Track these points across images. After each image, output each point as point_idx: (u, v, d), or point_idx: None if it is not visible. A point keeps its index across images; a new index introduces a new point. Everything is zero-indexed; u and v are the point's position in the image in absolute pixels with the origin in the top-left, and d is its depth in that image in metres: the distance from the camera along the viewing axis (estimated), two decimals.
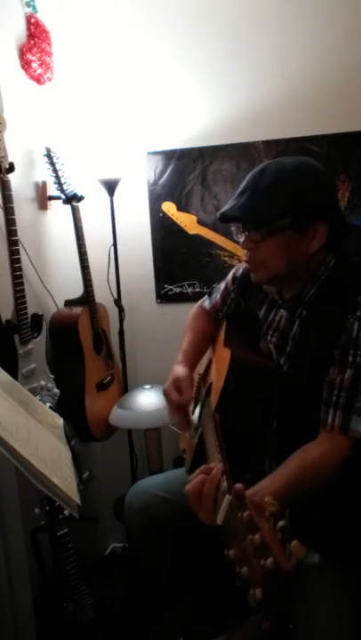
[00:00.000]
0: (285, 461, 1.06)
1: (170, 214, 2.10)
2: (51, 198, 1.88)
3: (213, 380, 1.34)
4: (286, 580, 0.64)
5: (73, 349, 1.85)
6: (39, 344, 1.63)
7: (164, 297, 2.17)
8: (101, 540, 2.29)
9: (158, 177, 2.09)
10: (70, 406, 1.73)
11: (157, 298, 2.18)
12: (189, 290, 2.14)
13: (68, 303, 1.91)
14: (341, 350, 1.08)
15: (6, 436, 0.93)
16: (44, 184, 1.87)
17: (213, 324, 1.53)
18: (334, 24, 1.84)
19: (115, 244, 2.08)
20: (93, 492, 2.16)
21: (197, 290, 2.12)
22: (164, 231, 2.12)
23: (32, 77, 1.81)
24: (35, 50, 1.79)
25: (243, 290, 1.40)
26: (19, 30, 1.75)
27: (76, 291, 1.92)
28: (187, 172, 2.05)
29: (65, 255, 1.96)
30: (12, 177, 1.50)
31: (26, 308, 1.55)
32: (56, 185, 1.81)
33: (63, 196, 1.83)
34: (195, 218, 2.08)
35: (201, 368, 1.56)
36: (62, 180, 1.80)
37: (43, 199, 1.88)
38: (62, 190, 1.82)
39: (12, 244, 1.50)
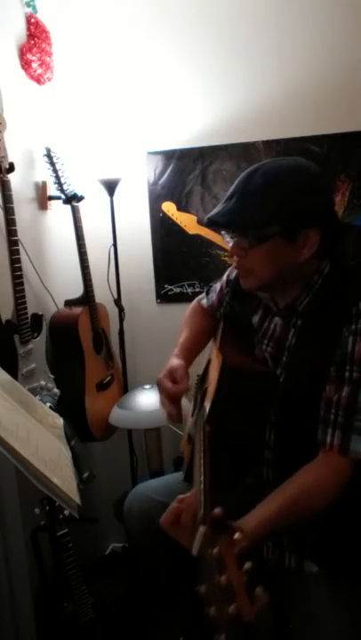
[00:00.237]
0: (281, 486, 1.01)
1: (170, 214, 2.10)
2: (51, 198, 1.89)
3: (209, 385, 1.32)
4: (250, 629, 0.61)
5: (73, 349, 1.85)
6: (39, 344, 1.63)
7: (164, 297, 2.17)
8: (101, 540, 2.29)
9: (158, 177, 2.09)
10: (70, 406, 1.73)
11: (157, 298, 2.18)
12: (189, 290, 2.14)
13: (68, 303, 1.91)
14: (337, 366, 1.04)
15: (6, 435, 0.93)
16: (44, 184, 1.87)
17: (211, 322, 1.50)
18: (334, 24, 1.84)
19: (115, 244, 2.08)
20: (93, 492, 2.16)
21: (197, 290, 2.12)
22: (164, 231, 2.12)
23: (32, 77, 1.81)
24: (35, 50, 1.79)
25: (236, 293, 1.35)
26: (19, 30, 1.76)
27: (76, 291, 1.92)
28: (187, 172, 2.06)
29: (65, 255, 1.96)
30: (12, 177, 1.50)
31: (26, 308, 1.55)
32: (56, 185, 1.81)
33: (63, 196, 1.83)
34: (195, 218, 2.08)
35: (200, 369, 1.55)
36: (62, 180, 1.80)
37: (43, 199, 1.88)
38: (62, 190, 1.82)
39: (12, 244, 1.50)
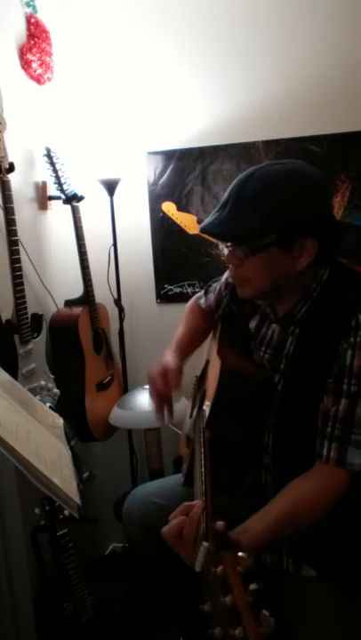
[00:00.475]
0: (278, 496, 1.01)
1: (170, 214, 2.10)
2: (51, 198, 1.89)
3: (207, 388, 1.31)
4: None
5: (73, 349, 1.85)
6: (39, 344, 1.63)
7: (164, 297, 2.17)
8: (101, 540, 2.29)
9: (158, 177, 2.09)
10: (70, 406, 1.73)
11: (157, 298, 2.18)
12: (189, 290, 2.14)
13: (68, 303, 1.91)
14: (335, 379, 1.02)
15: (6, 435, 0.93)
16: (44, 184, 1.87)
17: (208, 321, 1.49)
18: (334, 24, 1.84)
19: (115, 244, 2.08)
20: (93, 492, 2.16)
21: (197, 290, 2.11)
22: (164, 231, 2.12)
23: (32, 77, 1.81)
24: (35, 50, 1.79)
25: (235, 296, 1.31)
26: (19, 30, 1.76)
27: (76, 291, 1.92)
28: (187, 172, 2.05)
29: (65, 255, 1.96)
30: (12, 177, 1.50)
31: (26, 308, 1.55)
32: (56, 185, 1.81)
33: (63, 196, 1.83)
34: (195, 218, 2.08)
35: (198, 370, 1.55)
36: (62, 180, 1.80)
37: (43, 199, 1.88)
38: (62, 190, 1.82)
39: (12, 244, 1.50)
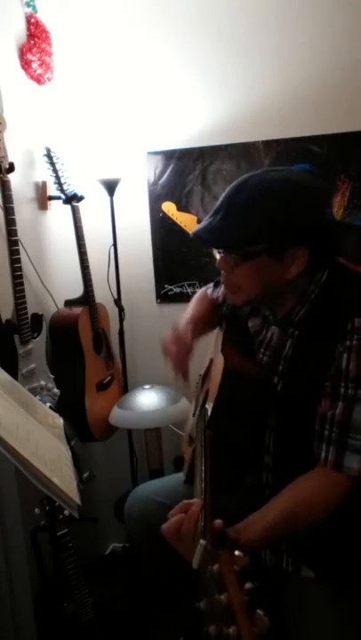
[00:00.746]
0: (278, 496, 1.01)
1: (170, 214, 2.10)
2: (51, 198, 1.89)
3: (210, 387, 1.33)
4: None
5: (73, 349, 1.85)
6: (39, 344, 1.63)
7: (164, 297, 2.17)
8: (101, 540, 2.29)
9: (158, 177, 2.09)
10: (70, 406, 1.73)
11: (157, 298, 2.18)
12: (189, 290, 2.14)
13: (68, 303, 1.91)
14: (332, 382, 1.02)
15: (6, 436, 0.93)
16: (44, 184, 1.87)
17: (215, 312, 1.48)
18: (334, 24, 1.84)
19: (115, 244, 2.08)
20: (93, 492, 2.16)
21: (197, 290, 2.11)
22: (164, 231, 2.12)
23: (32, 77, 1.81)
24: (35, 50, 1.79)
25: None
26: (19, 30, 1.76)
27: (76, 291, 1.92)
28: (187, 172, 2.05)
29: (65, 255, 1.96)
30: (12, 177, 1.50)
31: (26, 308, 1.55)
32: (56, 185, 1.81)
33: (63, 196, 1.83)
34: (195, 218, 2.08)
35: (201, 368, 1.55)
36: (62, 180, 1.80)
37: (43, 199, 1.88)
38: (62, 190, 1.82)
39: (12, 244, 1.51)
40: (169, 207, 2.10)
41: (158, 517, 1.35)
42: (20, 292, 1.53)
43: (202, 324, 1.43)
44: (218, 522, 0.76)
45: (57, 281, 1.93)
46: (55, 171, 1.79)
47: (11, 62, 1.72)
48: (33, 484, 0.94)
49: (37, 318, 1.64)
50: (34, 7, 1.79)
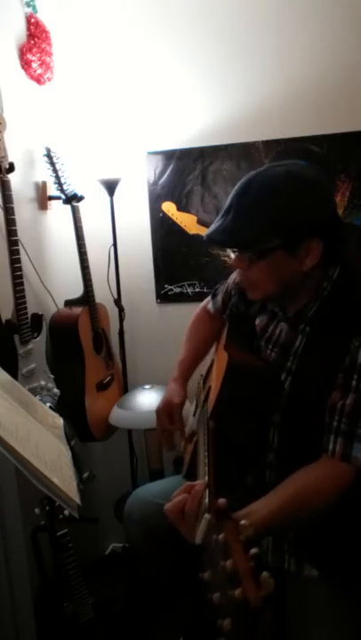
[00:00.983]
0: (283, 483, 1.02)
1: (170, 214, 2.10)
2: (51, 198, 1.89)
3: (212, 384, 1.33)
4: (256, 613, 0.60)
5: (73, 349, 1.85)
6: (39, 344, 1.63)
7: (164, 297, 2.17)
8: (101, 540, 2.29)
9: (158, 177, 2.09)
10: (70, 406, 1.73)
11: (157, 298, 2.18)
12: (189, 290, 2.14)
13: (68, 303, 1.91)
14: (345, 374, 1.03)
15: (6, 436, 0.93)
16: (44, 184, 1.87)
17: (216, 326, 1.51)
18: (334, 24, 1.84)
19: (115, 244, 2.08)
20: (93, 492, 2.16)
21: (197, 290, 2.12)
22: (164, 231, 2.12)
23: (32, 77, 1.81)
24: (35, 50, 1.79)
25: (242, 295, 1.33)
26: (19, 30, 1.76)
27: (76, 291, 1.92)
28: (187, 172, 2.05)
29: (65, 255, 1.96)
30: (12, 177, 1.50)
31: (26, 308, 1.55)
32: (56, 185, 1.81)
33: (63, 196, 1.83)
34: (195, 218, 2.08)
35: (203, 369, 1.55)
36: (62, 180, 1.80)
37: (43, 199, 1.88)
38: (62, 190, 1.82)
39: (12, 244, 1.51)
40: (169, 207, 2.10)
41: (158, 519, 1.35)
42: (20, 292, 1.53)
43: (198, 358, 1.52)
44: (222, 500, 0.77)
45: (57, 281, 1.93)
46: (55, 171, 1.79)
47: (11, 62, 1.72)
48: (33, 484, 0.94)
49: (37, 318, 1.64)
50: (34, 7, 1.79)
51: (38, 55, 1.80)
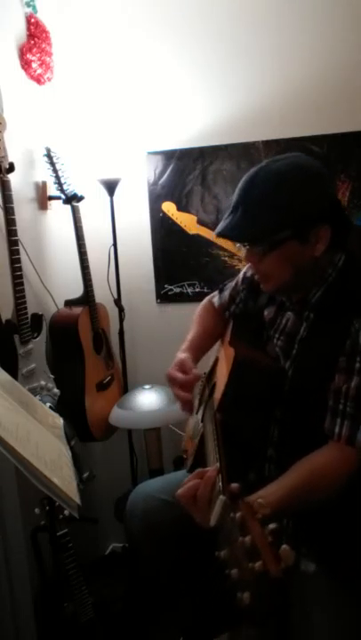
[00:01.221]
0: (292, 468, 1.04)
1: (170, 214, 2.10)
2: (51, 198, 1.89)
3: (217, 380, 1.34)
4: (276, 585, 0.62)
5: (73, 349, 1.85)
6: (39, 344, 1.63)
7: (164, 297, 2.17)
8: (101, 540, 2.29)
9: (158, 177, 2.09)
10: (70, 406, 1.73)
11: (157, 298, 2.18)
12: (189, 290, 2.14)
13: (68, 303, 1.91)
14: (347, 357, 1.05)
15: (6, 436, 0.93)
16: (44, 184, 1.87)
17: (220, 322, 1.50)
18: (334, 24, 1.84)
19: (115, 244, 2.08)
20: (93, 492, 2.16)
21: (197, 290, 2.12)
22: (164, 231, 2.12)
23: (32, 77, 1.81)
24: (35, 50, 1.79)
25: (252, 290, 1.36)
26: (19, 30, 1.76)
27: (76, 291, 1.92)
28: (187, 172, 2.05)
29: (65, 255, 1.96)
30: (12, 177, 1.50)
31: (26, 308, 1.55)
32: (56, 185, 1.81)
33: (63, 196, 1.83)
34: (195, 218, 2.08)
35: (207, 367, 1.55)
36: (62, 180, 1.80)
37: (43, 199, 1.88)
38: (62, 190, 1.82)
39: (12, 244, 1.51)
40: (169, 207, 2.10)
41: (161, 515, 1.36)
42: (20, 292, 1.53)
43: (205, 343, 1.47)
44: (235, 485, 0.79)
45: (57, 281, 1.93)
46: (55, 171, 1.79)
47: (11, 62, 1.72)
48: (33, 484, 0.94)
49: (37, 318, 1.64)
50: (34, 7, 1.79)
51: (38, 55, 1.80)
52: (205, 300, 1.57)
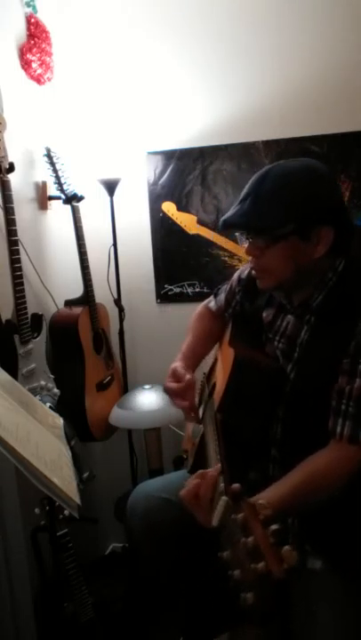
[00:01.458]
0: (295, 468, 1.04)
1: (170, 214, 2.10)
2: (51, 198, 1.89)
3: (217, 380, 1.34)
4: (278, 586, 0.62)
5: (73, 349, 1.85)
6: (39, 344, 1.63)
7: (164, 297, 2.17)
8: (101, 540, 2.29)
9: (158, 177, 2.09)
10: (70, 406, 1.73)
11: (157, 298, 2.18)
12: (189, 290, 2.14)
13: (68, 303, 1.91)
14: (351, 358, 1.06)
15: (6, 436, 0.93)
16: (44, 184, 1.87)
17: (218, 325, 1.51)
18: (334, 24, 1.84)
19: (115, 244, 2.08)
20: (93, 492, 2.16)
21: (197, 290, 2.12)
22: (164, 231, 2.12)
23: (32, 77, 1.81)
24: (35, 50, 1.79)
25: (248, 292, 1.37)
26: (19, 30, 1.76)
27: (76, 291, 1.92)
28: (187, 172, 2.05)
29: (65, 255, 1.96)
30: (12, 177, 1.50)
31: (26, 308, 1.55)
32: (56, 185, 1.81)
33: (63, 196, 1.83)
34: (195, 218, 2.08)
35: (206, 367, 1.55)
36: (62, 180, 1.80)
37: (43, 199, 1.88)
38: (62, 190, 1.82)
39: (12, 244, 1.50)
40: (169, 207, 2.10)
41: (161, 514, 1.36)
42: (20, 292, 1.53)
43: (201, 350, 1.48)
44: (236, 485, 0.79)
45: (57, 281, 1.93)
46: (55, 171, 1.79)
47: (11, 62, 1.72)
48: (33, 484, 0.94)
49: (37, 318, 1.64)
50: (34, 7, 1.79)
51: (38, 55, 1.80)
52: (200, 307, 1.58)
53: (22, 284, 1.53)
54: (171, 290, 2.16)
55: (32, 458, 0.95)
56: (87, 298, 1.91)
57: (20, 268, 1.52)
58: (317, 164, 1.14)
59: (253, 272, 1.24)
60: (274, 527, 0.67)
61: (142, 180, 2.10)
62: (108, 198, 2.03)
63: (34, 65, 1.79)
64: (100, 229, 2.07)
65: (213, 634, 1.53)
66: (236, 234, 1.20)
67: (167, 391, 1.35)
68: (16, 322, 1.54)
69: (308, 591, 1.09)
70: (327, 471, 1.04)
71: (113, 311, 2.11)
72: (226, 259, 2.06)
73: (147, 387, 2.01)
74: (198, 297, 2.02)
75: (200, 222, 2.08)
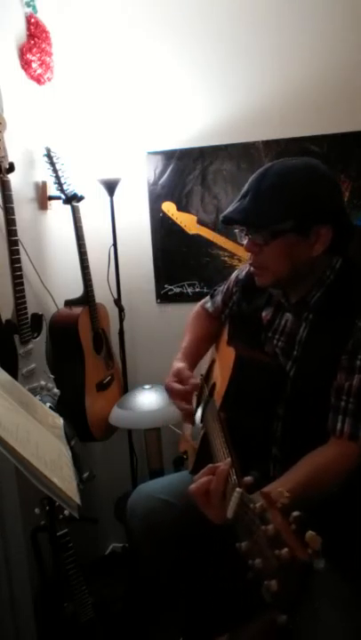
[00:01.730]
0: (296, 465, 1.05)
1: (170, 214, 2.10)
2: (51, 198, 1.89)
3: (217, 380, 1.34)
4: (303, 570, 0.62)
5: (73, 349, 1.85)
6: (39, 344, 1.63)
7: (164, 297, 2.17)
8: (101, 540, 2.29)
9: (158, 177, 2.09)
10: (70, 406, 1.73)
11: (157, 298, 2.18)
12: (189, 290, 2.14)
13: (68, 303, 1.91)
14: (349, 355, 1.07)
15: (6, 435, 0.93)
16: (44, 184, 1.87)
17: (215, 326, 1.52)
18: (334, 24, 1.84)
19: (115, 244, 2.08)
20: (93, 492, 2.16)
21: (197, 290, 2.12)
22: (164, 231, 2.12)
23: (32, 77, 1.81)
24: (35, 50, 1.79)
25: (246, 292, 1.38)
26: (19, 30, 1.76)
27: (76, 291, 1.92)
28: (187, 172, 2.05)
29: (65, 255, 1.96)
30: (12, 177, 1.50)
31: (26, 308, 1.55)
32: (56, 185, 1.81)
33: (63, 196, 1.83)
34: (195, 218, 2.08)
35: (203, 369, 1.55)
36: (62, 180, 1.80)
37: (43, 199, 1.88)
38: (62, 190, 1.82)
39: (12, 244, 1.51)
40: (169, 207, 2.10)
41: (161, 515, 1.36)
42: (20, 292, 1.53)
43: (199, 349, 1.49)
44: (248, 478, 0.80)
45: (57, 281, 1.93)
46: (55, 171, 1.79)
47: (11, 62, 1.72)
48: (33, 484, 0.94)
49: (37, 318, 1.64)
50: (34, 7, 1.79)
51: (38, 55, 1.80)
52: (197, 307, 1.58)
53: (22, 284, 1.53)
54: (171, 290, 2.16)
55: (32, 458, 0.95)
56: (87, 298, 1.91)
57: (20, 268, 1.52)
58: (319, 164, 1.15)
59: (252, 269, 1.24)
60: (296, 514, 0.67)
61: (142, 180, 2.10)
62: (108, 198, 2.03)
63: (34, 65, 1.79)
64: (100, 229, 2.07)
65: (213, 634, 1.53)
66: (236, 230, 1.21)
67: (169, 391, 1.34)
68: (16, 322, 1.54)
69: (312, 589, 1.09)
70: (328, 467, 1.05)
71: (113, 311, 2.11)
72: (226, 259, 2.06)
73: (147, 387, 2.01)
74: (198, 297, 2.01)
75: (200, 222, 2.08)
